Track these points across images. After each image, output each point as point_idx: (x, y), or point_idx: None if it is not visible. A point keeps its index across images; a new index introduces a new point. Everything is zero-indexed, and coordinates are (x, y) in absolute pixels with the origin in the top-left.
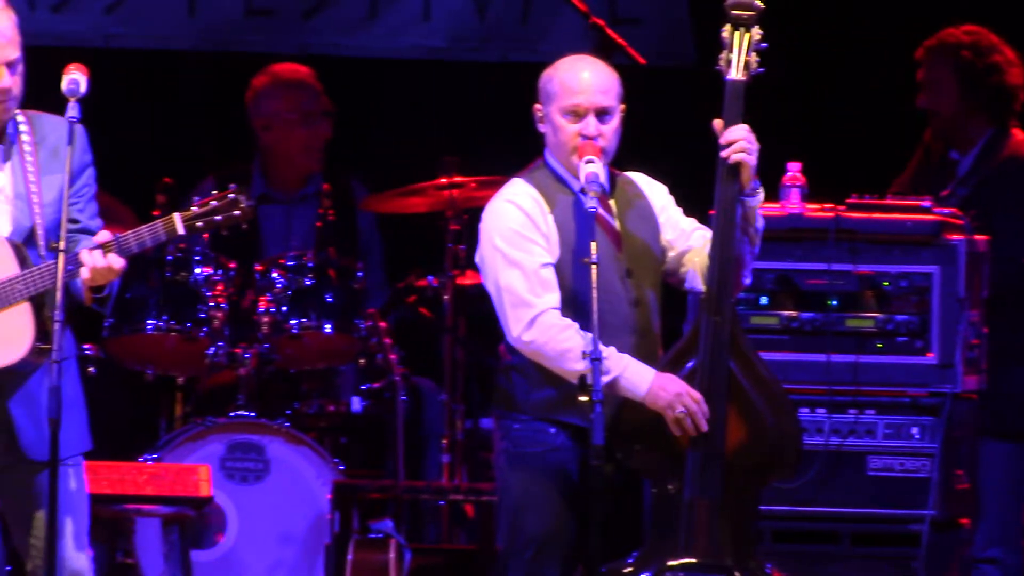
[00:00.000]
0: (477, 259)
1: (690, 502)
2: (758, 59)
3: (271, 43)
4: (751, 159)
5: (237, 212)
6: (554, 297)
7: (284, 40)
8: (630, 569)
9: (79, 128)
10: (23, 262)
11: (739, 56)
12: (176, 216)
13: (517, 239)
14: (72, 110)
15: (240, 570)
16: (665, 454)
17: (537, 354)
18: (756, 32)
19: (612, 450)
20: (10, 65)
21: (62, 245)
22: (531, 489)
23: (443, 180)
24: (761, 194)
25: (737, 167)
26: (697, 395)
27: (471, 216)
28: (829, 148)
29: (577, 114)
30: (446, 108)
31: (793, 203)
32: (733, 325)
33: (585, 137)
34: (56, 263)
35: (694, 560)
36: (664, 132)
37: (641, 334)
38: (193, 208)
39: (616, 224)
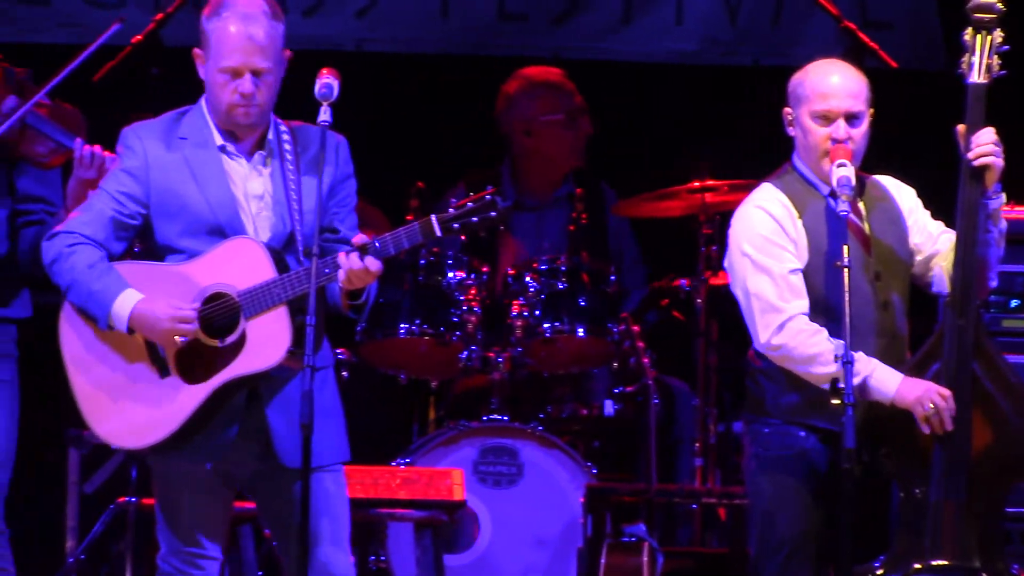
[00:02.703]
0: (726, 264)
1: (936, 504)
2: (1000, 61)
3: (523, 47)
4: (998, 161)
5: (494, 213)
6: (802, 303)
7: (536, 44)
8: (880, 572)
9: (342, 139)
10: (279, 266)
11: (980, 59)
12: (433, 218)
13: (766, 245)
14: (324, 114)
15: (493, 574)
16: (912, 457)
17: (786, 359)
18: (998, 35)
19: (860, 453)
20: (256, 73)
21: (315, 250)
22: (782, 492)
23: (695, 184)
24: (1003, 196)
25: (982, 170)
26: (945, 392)
27: (723, 219)
28: None
29: (827, 118)
30: (697, 112)
31: None
32: (977, 327)
33: (835, 141)
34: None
35: (941, 562)
36: (916, 135)
37: (889, 337)
38: (450, 210)
39: (865, 227)
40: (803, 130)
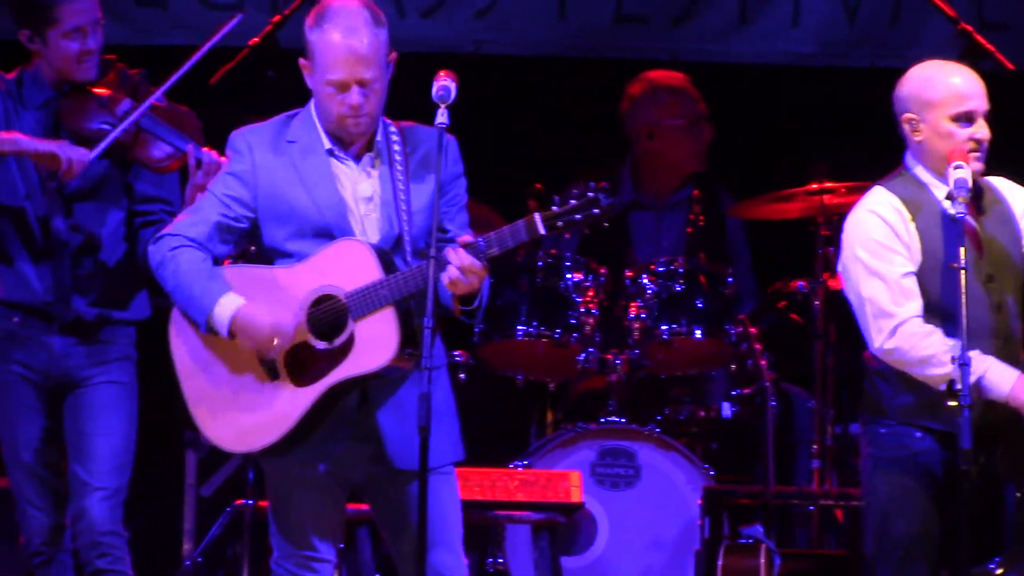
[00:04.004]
0: (839, 268)
1: None
2: None
3: (641, 49)
4: None
5: (596, 211)
6: (916, 305)
7: (654, 46)
8: (997, 572)
9: (450, 139)
10: (386, 267)
11: None
12: (536, 216)
13: (879, 249)
14: (442, 116)
15: None
16: None
17: (900, 362)
18: None
19: (977, 454)
20: (362, 84)
21: (432, 251)
22: (898, 493)
23: (813, 185)
24: None
25: None
26: None
27: (841, 221)
28: None
29: (971, 118)
30: (814, 113)
31: None
32: None
33: (976, 141)
34: (421, 267)
35: None
36: None
37: (1003, 339)
38: (553, 208)
39: (978, 229)
40: (938, 133)
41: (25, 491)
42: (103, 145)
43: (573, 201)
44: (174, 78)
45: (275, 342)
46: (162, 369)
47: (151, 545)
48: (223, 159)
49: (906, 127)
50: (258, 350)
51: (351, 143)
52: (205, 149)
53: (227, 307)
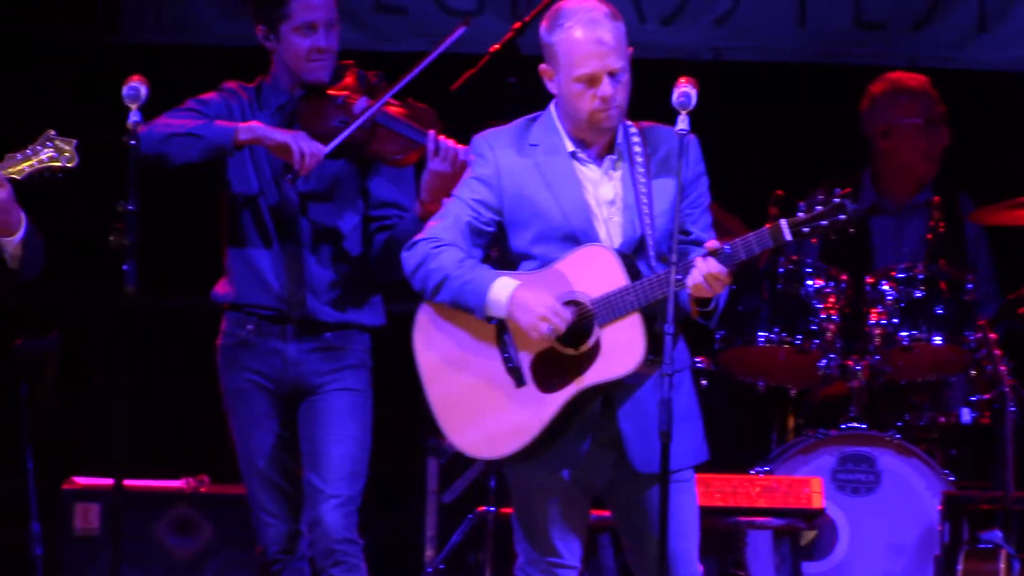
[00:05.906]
0: None
1: None
2: None
3: (880, 55)
4: None
5: (842, 217)
6: None
7: (893, 52)
8: None
9: (691, 138)
10: (632, 273)
11: None
12: (782, 222)
13: None
14: (682, 122)
15: None
16: None
17: None
18: None
19: None
20: (612, 74)
21: (673, 256)
22: None
23: None
24: None
25: None
26: None
27: None
28: None
29: None
30: None
31: None
32: None
33: None
34: (666, 273)
35: None
36: None
37: None
38: (799, 214)
39: None
40: None
41: (261, 499)
42: (338, 139)
43: (819, 207)
44: (408, 78)
45: (552, 321)
46: (404, 376)
47: (393, 552)
48: (461, 147)
49: None
50: (527, 330)
51: (592, 142)
52: (441, 138)
53: (505, 286)
